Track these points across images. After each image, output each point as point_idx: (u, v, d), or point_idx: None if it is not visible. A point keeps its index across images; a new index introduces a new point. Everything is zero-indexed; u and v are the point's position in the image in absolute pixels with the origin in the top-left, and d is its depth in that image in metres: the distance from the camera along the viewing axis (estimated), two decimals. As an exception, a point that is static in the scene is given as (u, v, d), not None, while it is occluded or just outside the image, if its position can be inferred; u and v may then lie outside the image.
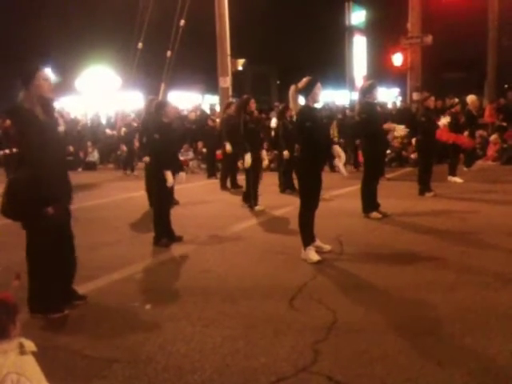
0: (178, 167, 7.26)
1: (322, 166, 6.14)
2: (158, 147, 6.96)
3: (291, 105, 6.20)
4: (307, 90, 5.94)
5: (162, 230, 7.03)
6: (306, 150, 5.98)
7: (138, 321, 4.39)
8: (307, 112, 5.97)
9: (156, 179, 7.08)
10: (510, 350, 3.59)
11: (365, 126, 8.22)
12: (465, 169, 13.51)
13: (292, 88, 5.97)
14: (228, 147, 11.33)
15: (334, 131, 15.43)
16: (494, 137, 15.89)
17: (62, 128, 4.74)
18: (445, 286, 4.94)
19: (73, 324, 4.41)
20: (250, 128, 9.32)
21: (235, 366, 3.53)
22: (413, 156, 13.45)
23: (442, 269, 5.50)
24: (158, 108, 7.15)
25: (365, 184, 8.30)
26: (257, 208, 9.30)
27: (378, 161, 8.57)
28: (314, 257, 5.92)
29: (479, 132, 15.55)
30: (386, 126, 8.51)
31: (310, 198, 6.04)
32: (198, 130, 16.88)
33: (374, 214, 8.17)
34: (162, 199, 7.14)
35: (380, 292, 4.89)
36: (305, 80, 5.98)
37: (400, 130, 9.02)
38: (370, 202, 8.26)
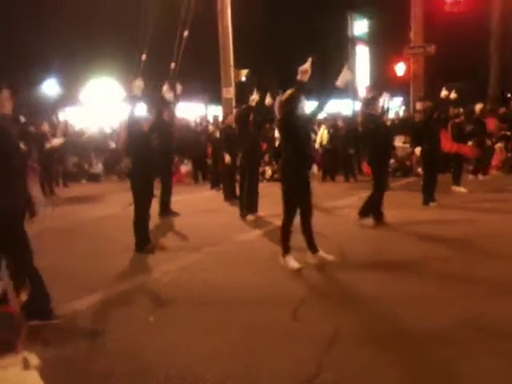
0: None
1: (305, 172, 6.10)
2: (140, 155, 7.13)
3: (277, 115, 6.14)
4: (290, 103, 5.89)
5: (143, 237, 7.10)
6: (288, 156, 6.00)
7: (139, 331, 4.38)
8: (292, 118, 5.93)
9: (136, 187, 7.13)
10: (505, 371, 3.50)
11: (368, 137, 8.29)
12: (480, 177, 13.73)
13: (277, 99, 6.06)
14: (227, 158, 11.37)
15: (323, 138, 15.39)
16: (498, 145, 15.86)
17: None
18: (447, 297, 4.89)
19: (74, 335, 4.39)
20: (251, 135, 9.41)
21: (236, 377, 3.52)
22: (419, 170, 13.43)
23: (445, 279, 5.46)
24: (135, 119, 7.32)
25: (376, 194, 8.26)
26: (248, 217, 9.30)
27: (384, 171, 8.62)
28: (295, 264, 5.92)
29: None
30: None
31: (290, 206, 6.01)
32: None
33: (378, 224, 8.16)
34: (141, 206, 7.15)
35: (382, 302, 4.85)
36: (288, 92, 5.94)
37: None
38: (375, 211, 8.26)
